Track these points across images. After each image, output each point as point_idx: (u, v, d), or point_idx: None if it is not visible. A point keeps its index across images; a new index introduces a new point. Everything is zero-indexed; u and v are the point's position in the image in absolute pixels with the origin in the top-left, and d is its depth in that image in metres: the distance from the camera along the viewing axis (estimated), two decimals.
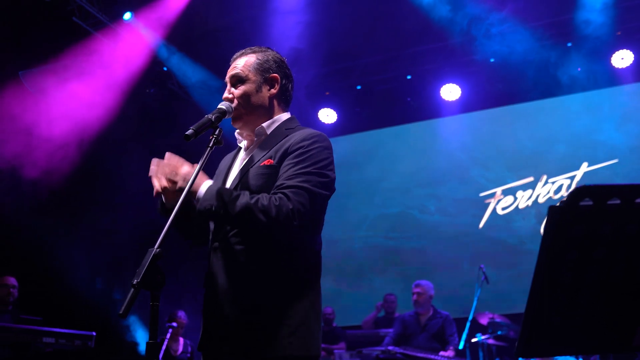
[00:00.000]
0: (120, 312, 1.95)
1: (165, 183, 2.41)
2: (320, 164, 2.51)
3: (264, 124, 2.71)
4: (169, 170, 2.43)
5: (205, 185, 2.43)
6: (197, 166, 2.38)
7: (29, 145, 7.90)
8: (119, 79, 8.97)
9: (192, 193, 2.39)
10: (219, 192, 2.38)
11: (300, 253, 2.54)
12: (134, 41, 9.17)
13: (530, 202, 9.91)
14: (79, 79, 8.37)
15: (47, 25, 8.12)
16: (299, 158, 2.50)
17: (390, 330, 7.74)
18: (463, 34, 9.20)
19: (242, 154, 2.79)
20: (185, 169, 2.42)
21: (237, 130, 2.79)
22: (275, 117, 2.75)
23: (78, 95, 8.42)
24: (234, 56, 2.79)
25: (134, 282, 2.00)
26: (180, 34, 9.42)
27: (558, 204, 1.25)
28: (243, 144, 2.80)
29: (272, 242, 2.47)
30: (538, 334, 1.37)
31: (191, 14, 9.15)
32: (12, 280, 6.77)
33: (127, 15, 9.00)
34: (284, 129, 2.70)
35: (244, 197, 2.38)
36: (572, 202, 1.25)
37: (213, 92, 9.67)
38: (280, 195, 2.40)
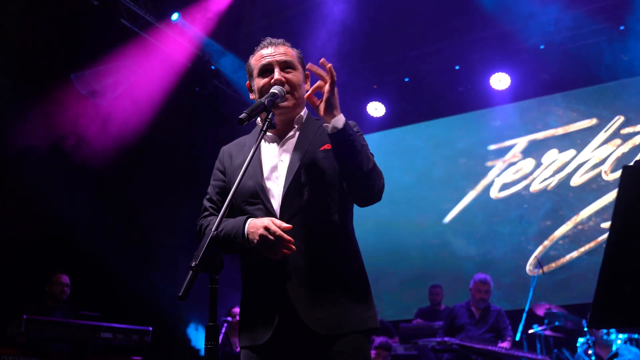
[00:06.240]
0: (180, 295, 1.92)
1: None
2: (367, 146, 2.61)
3: (302, 113, 2.72)
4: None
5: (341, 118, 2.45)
6: (250, 154, 2.32)
7: (84, 147, 8.05)
8: (167, 78, 9.08)
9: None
10: (353, 126, 2.51)
11: (353, 233, 2.64)
12: (181, 40, 9.28)
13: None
14: (128, 79, 8.51)
15: (96, 28, 8.25)
16: None
17: (439, 322, 7.70)
18: (511, 22, 9.04)
19: (269, 144, 2.69)
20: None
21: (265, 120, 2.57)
22: (304, 109, 2.76)
23: (129, 96, 8.56)
24: (270, 42, 2.71)
25: (192, 265, 1.98)
26: (227, 32, 9.49)
27: (633, 164, 1.18)
28: (268, 135, 2.69)
29: (338, 218, 2.53)
30: (612, 302, 1.30)
31: (237, 12, 9.21)
32: (66, 279, 6.96)
33: (175, 16, 9.11)
34: (314, 119, 2.74)
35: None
36: None
37: None
38: None
